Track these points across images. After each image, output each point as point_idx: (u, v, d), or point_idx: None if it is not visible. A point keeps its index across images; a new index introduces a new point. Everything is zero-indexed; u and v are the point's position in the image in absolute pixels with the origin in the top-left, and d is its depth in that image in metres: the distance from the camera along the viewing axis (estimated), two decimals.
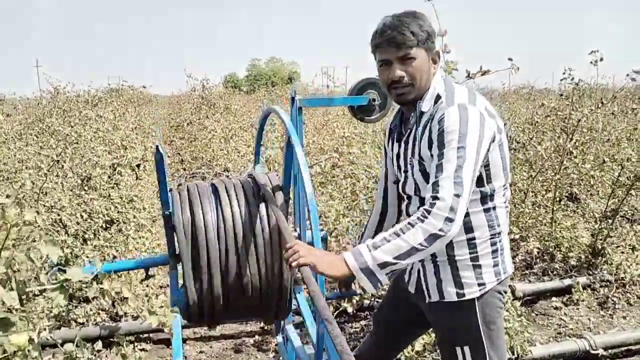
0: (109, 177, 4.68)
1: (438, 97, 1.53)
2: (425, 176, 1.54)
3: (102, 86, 15.78)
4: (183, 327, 2.45)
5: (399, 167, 1.69)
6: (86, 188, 4.64)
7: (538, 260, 4.28)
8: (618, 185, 3.92)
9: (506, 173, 1.56)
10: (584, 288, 3.72)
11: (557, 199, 4.34)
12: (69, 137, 5.62)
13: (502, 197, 1.58)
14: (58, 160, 4.46)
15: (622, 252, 4.11)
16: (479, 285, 1.58)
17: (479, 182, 1.50)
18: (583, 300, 3.68)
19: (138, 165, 5.28)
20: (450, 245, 1.56)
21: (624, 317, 3.53)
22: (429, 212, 1.36)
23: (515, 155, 4.60)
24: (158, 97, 24.77)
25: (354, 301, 3.39)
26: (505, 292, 1.69)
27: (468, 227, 1.54)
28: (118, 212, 4.10)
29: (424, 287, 1.66)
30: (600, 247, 4.03)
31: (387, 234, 1.40)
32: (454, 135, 1.40)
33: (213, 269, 1.69)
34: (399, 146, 1.67)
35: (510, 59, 2.55)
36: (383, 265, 1.37)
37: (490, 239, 1.57)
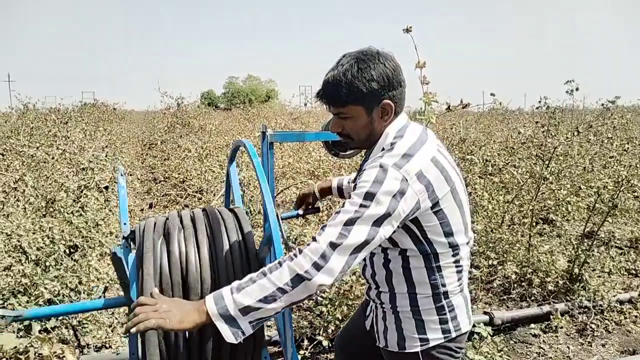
0: (74, 200, 4.48)
1: (383, 149, 1.44)
2: None
3: (76, 101, 15.45)
4: None
5: None
6: (51, 210, 4.43)
7: (516, 285, 4.23)
8: (594, 212, 3.90)
9: (453, 237, 1.44)
10: (562, 315, 3.67)
11: (534, 222, 4.31)
12: (35, 158, 5.41)
13: (449, 258, 1.46)
14: (19, 181, 4.25)
15: (599, 277, 4.08)
16: (421, 340, 1.49)
17: (416, 240, 1.42)
18: (562, 328, 3.62)
19: (106, 187, 5.09)
20: (392, 295, 1.51)
21: (603, 345, 3.48)
22: (300, 251, 1.27)
23: (491, 179, 4.57)
24: (133, 113, 24.46)
25: (329, 331, 3.26)
26: (461, 349, 1.56)
27: (409, 281, 1.47)
28: (82, 237, 3.90)
29: (375, 329, 1.62)
30: (577, 272, 4.00)
31: (255, 273, 1.29)
32: (362, 190, 1.30)
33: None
34: None
35: (492, 94, 2.53)
36: (245, 311, 1.23)
37: (433, 296, 1.48)
